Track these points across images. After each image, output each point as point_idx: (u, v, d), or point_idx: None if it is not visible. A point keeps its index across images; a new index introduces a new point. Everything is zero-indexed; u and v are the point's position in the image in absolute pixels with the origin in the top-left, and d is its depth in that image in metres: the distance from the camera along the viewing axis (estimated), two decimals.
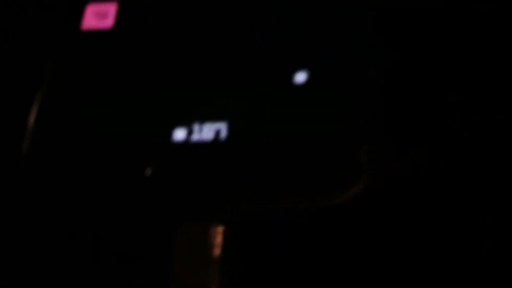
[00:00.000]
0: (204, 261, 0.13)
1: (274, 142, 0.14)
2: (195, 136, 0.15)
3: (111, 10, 0.17)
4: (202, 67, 0.15)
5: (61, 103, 0.15)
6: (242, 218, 0.14)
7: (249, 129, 0.14)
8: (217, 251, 0.13)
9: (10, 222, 0.15)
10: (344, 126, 0.14)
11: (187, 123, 0.15)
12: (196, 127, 0.15)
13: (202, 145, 0.14)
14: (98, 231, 0.15)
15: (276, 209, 0.14)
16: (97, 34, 0.17)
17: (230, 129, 0.14)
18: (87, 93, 0.16)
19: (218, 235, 0.14)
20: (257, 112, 0.15)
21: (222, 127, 0.15)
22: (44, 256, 0.15)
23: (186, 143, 0.14)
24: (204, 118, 0.15)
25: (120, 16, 0.17)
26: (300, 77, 0.15)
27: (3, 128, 0.16)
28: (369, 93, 0.15)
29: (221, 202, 0.14)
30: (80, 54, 0.16)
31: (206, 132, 0.15)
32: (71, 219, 0.15)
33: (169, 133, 0.15)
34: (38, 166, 0.14)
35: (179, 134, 0.15)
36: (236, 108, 0.15)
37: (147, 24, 0.17)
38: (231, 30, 0.16)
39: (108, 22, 0.17)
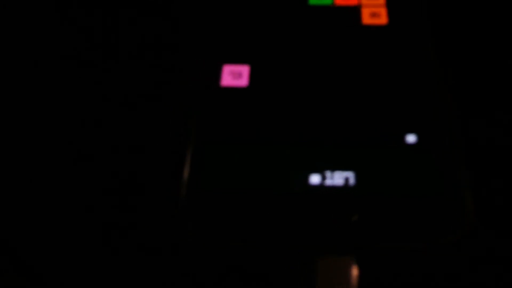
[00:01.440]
0: None
1: (384, 188, 0.17)
2: (328, 181, 0.18)
3: (245, 71, 0.20)
4: (331, 124, 0.19)
5: (206, 152, 0.18)
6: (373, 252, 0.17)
7: (370, 179, 0.18)
8: (355, 284, 0.16)
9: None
10: (446, 185, 0.17)
11: (320, 171, 0.18)
12: (328, 174, 0.18)
13: (334, 189, 0.17)
14: (244, 263, 0.18)
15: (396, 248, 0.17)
16: (234, 91, 0.20)
17: (357, 178, 0.18)
18: (230, 144, 0.19)
19: (354, 269, 0.16)
20: (375, 165, 0.18)
21: (350, 175, 0.18)
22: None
23: (321, 187, 0.18)
24: (335, 167, 0.18)
25: (253, 77, 0.20)
26: (411, 138, 0.18)
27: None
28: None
29: (355, 238, 0.17)
30: (220, 107, 0.19)
31: (337, 178, 0.18)
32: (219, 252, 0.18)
33: (306, 178, 0.18)
34: (195, 214, 0.17)
35: (315, 179, 0.18)
36: (360, 161, 0.18)
37: (278, 84, 0.20)
38: (354, 93, 0.19)
39: (243, 81, 0.20)
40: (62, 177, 0.19)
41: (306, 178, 0.18)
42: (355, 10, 0.22)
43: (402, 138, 0.18)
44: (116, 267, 0.18)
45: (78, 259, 0.18)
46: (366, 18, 0.22)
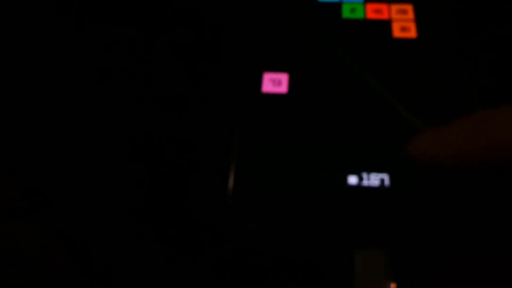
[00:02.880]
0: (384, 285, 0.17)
1: (418, 192, 0.19)
2: (365, 182, 0.19)
3: (284, 78, 0.22)
4: (364, 129, 0.20)
5: (250, 152, 0.20)
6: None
7: (403, 180, 0.19)
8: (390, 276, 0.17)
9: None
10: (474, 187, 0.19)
11: (358, 172, 0.19)
12: (365, 175, 0.19)
13: (371, 189, 0.19)
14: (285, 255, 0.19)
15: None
16: (275, 97, 0.21)
17: (392, 179, 0.19)
18: (271, 144, 0.20)
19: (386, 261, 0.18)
20: (407, 167, 0.19)
21: (385, 177, 0.19)
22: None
23: (359, 187, 0.19)
24: (371, 169, 0.19)
25: (292, 84, 0.22)
26: None
27: None
28: None
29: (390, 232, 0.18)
30: (262, 114, 0.21)
31: (373, 180, 0.19)
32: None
33: (345, 179, 0.19)
34: (243, 207, 0.19)
35: (352, 179, 0.19)
36: (394, 163, 0.19)
37: (315, 91, 0.21)
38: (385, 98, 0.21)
39: (283, 88, 0.22)
40: (118, 175, 0.21)
41: (344, 178, 0.19)
42: (386, 24, 0.23)
43: None
44: (167, 257, 0.19)
45: (132, 250, 0.19)
46: (397, 32, 0.23)
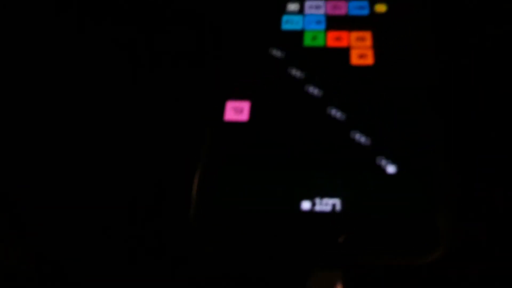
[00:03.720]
0: None
1: (367, 213, 0.20)
2: (317, 207, 0.20)
3: (246, 106, 0.23)
4: (321, 154, 0.21)
5: (214, 175, 0.21)
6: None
7: (355, 204, 0.20)
8: None
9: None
10: (425, 206, 0.20)
11: (312, 197, 0.20)
12: (317, 200, 0.20)
13: (323, 214, 0.20)
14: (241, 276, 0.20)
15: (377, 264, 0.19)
16: (236, 125, 0.22)
17: (343, 204, 0.20)
18: (233, 168, 0.21)
19: (340, 283, 0.19)
20: (359, 192, 0.20)
21: (337, 202, 0.20)
22: None
23: (311, 212, 0.20)
24: (324, 193, 0.20)
25: (253, 112, 0.23)
26: (391, 168, 0.21)
27: None
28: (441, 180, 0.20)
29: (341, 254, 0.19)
30: (224, 141, 0.22)
31: (325, 205, 0.20)
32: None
33: (299, 204, 0.20)
34: (203, 227, 0.20)
35: (306, 205, 0.20)
36: (345, 187, 0.20)
37: (277, 118, 0.22)
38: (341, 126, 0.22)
39: (244, 116, 0.23)
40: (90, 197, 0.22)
41: (298, 203, 0.20)
42: (345, 52, 0.24)
43: (385, 167, 0.21)
44: (129, 275, 0.20)
45: (94, 267, 0.20)
46: (354, 59, 0.24)
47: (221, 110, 0.23)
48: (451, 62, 0.25)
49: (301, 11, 0.26)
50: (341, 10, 0.26)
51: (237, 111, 0.23)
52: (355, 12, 0.26)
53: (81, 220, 0.22)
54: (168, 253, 0.21)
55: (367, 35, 0.25)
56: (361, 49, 0.24)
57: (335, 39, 0.25)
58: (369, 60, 0.24)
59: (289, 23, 0.26)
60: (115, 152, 0.23)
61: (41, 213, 0.22)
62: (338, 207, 0.20)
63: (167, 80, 0.25)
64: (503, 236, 0.20)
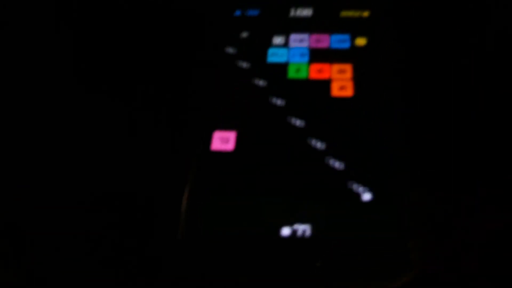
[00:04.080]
0: None
1: (343, 238, 0.21)
2: (297, 233, 0.21)
3: (232, 136, 0.25)
4: (301, 181, 0.23)
5: (201, 201, 0.22)
6: None
7: (332, 230, 0.21)
8: None
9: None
10: (397, 232, 0.21)
11: (291, 223, 0.22)
12: (297, 226, 0.22)
13: (302, 240, 0.21)
14: None
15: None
16: (222, 154, 0.24)
17: (321, 230, 0.21)
18: (219, 195, 0.23)
19: None
20: (336, 218, 0.22)
21: (315, 228, 0.22)
22: None
23: (291, 238, 0.21)
24: (303, 220, 0.22)
25: (239, 142, 0.24)
26: (366, 196, 0.22)
27: None
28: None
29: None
30: (211, 169, 0.23)
31: (303, 231, 0.21)
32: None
33: (277, 229, 0.22)
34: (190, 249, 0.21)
35: (285, 231, 0.22)
36: (323, 214, 0.22)
37: (261, 147, 0.24)
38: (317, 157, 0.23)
39: (230, 146, 0.24)
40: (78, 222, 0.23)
41: (278, 229, 0.21)
42: (326, 84, 0.26)
43: (361, 195, 0.22)
44: None
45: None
46: (335, 91, 0.26)
47: (209, 140, 0.24)
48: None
49: (286, 44, 0.28)
50: (324, 43, 0.28)
51: (223, 141, 0.24)
52: (337, 45, 0.27)
53: (69, 240, 0.23)
54: (158, 273, 0.22)
55: (348, 68, 0.26)
56: (341, 81, 0.26)
57: (317, 71, 0.27)
58: (348, 91, 0.25)
59: (274, 55, 0.27)
60: (106, 177, 0.25)
61: (29, 229, 0.24)
62: (317, 233, 0.21)
63: (159, 110, 0.27)
64: (472, 262, 0.22)
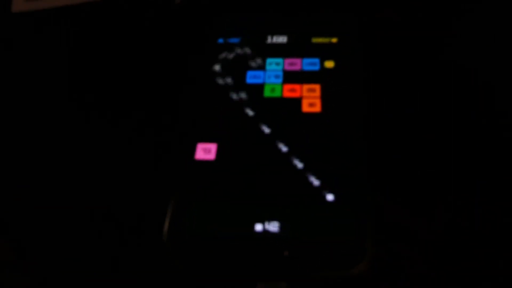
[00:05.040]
0: None
1: (308, 233, 0.24)
2: (268, 229, 0.25)
3: (213, 147, 0.28)
4: (275, 186, 0.26)
5: (186, 205, 0.26)
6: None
7: (299, 226, 0.25)
8: None
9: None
10: (354, 229, 0.24)
11: (263, 221, 0.25)
12: (268, 223, 0.25)
13: (272, 235, 0.24)
14: None
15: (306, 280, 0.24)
16: (204, 163, 0.27)
17: (289, 226, 0.25)
18: (202, 200, 0.26)
19: None
20: (303, 216, 0.25)
21: (284, 225, 0.25)
22: None
23: (263, 232, 0.24)
24: (274, 218, 0.25)
25: (219, 152, 0.28)
26: (330, 197, 0.25)
27: None
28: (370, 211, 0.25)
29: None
30: (194, 177, 0.27)
31: (274, 227, 0.25)
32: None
33: (252, 227, 0.25)
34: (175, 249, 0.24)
35: (258, 227, 0.25)
36: (292, 213, 0.25)
37: (240, 157, 0.27)
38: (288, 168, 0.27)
39: (211, 155, 0.28)
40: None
41: (251, 226, 0.25)
42: (298, 101, 0.29)
43: (325, 196, 0.25)
44: None
45: None
46: (305, 107, 0.29)
47: (193, 150, 0.28)
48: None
49: (263, 67, 0.31)
50: (296, 66, 0.31)
51: (206, 151, 0.28)
52: (308, 68, 0.31)
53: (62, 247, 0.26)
54: (145, 274, 0.25)
55: (317, 87, 0.30)
56: (311, 99, 0.29)
57: (290, 90, 0.30)
58: (317, 108, 0.29)
59: (252, 77, 0.31)
60: (98, 184, 0.28)
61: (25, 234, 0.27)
62: (285, 229, 0.24)
63: (150, 123, 0.30)
64: (422, 256, 0.25)
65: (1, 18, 0.37)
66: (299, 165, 0.26)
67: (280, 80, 0.31)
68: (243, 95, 0.30)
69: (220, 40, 0.33)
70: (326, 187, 0.26)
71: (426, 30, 0.33)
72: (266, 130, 0.28)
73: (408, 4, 0.34)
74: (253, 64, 0.32)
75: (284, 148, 0.27)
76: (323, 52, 0.32)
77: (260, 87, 0.30)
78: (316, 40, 0.32)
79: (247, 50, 0.32)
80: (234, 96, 0.30)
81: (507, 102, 0.29)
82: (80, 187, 0.28)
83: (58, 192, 0.28)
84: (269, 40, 0.33)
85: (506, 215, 0.25)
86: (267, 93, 0.30)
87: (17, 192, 0.29)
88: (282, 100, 0.30)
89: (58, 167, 0.29)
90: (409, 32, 0.33)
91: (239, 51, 0.33)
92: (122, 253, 0.26)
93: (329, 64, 0.31)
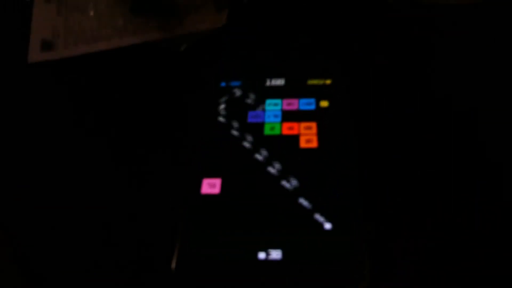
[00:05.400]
0: None
1: (308, 260, 0.26)
2: (270, 256, 0.26)
3: (218, 182, 0.30)
4: (275, 216, 0.28)
5: (193, 234, 0.27)
6: None
7: (300, 253, 0.26)
8: None
9: None
10: (351, 254, 0.26)
11: (266, 249, 0.27)
12: (270, 251, 0.27)
13: (274, 261, 0.26)
14: None
15: None
16: (210, 197, 0.29)
17: (283, 254, 0.26)
18: (208, 230, 0.28)
19: None
20: (303, 244, 0.27)
21: (286, 252, 0.26)
22: None
23: (264, 261, 0.26)
24: (276, 246, 0.27)
25: (224, 187, 0.30)
26: (327, 226, 0.27)
27: None
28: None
29: None
30: (201, 209, 0.29)
31: (276, 254, 0.26)
32: None
33: (255, 255, 0.26)
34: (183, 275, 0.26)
35: (261, 255, 0.26)
36: (293, 241, 0.27)
37: (242, 190, 0.29)
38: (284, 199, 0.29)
39: (216, 190, 0.30)
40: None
41: (255, 254, 0.26)
42: (296, 138, 0.32)
43: (323, 225, 0.27)
44: None
45: None
46: (303, 143, 0.31)
47: (199, 185, 0.30)
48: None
49: (263, 108, 0.34)
50: (294, 106, 0.34)
51: (211, 186, 0.30)
52: (304, 107, 0.34)
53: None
54: None
55: (313, 125, 0.32)
56: (308, 136, 0.32)
57: (288, 128, 0.32)
58: (314, 144, 0.31)
59: (253, 117, 0.33)
60: (113, 214, 0.30)
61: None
62: (287, 256, 0.26)
63: (161, 160, 0.33)
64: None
65: (18, 68, 0.40)
66: (298, 197, 0.28)
67: (279, 119, 0.33)
68: (245, 133, 0.32)
69: (223, 84, 0.36)
70: (323, 216, 0.27)
71: (412, 69, 0.36)
72: (267, 165, 0.30)
73: (394, 50, 0.38)
74: (253, 105, 0.34)
75: (283, 182, 0.29)
76: (318, 93, 0.34)
77: (260, 126, 0.33)
78: (311, 82, 0.35)
79: (248, 92, 0.35)
80: (237, 134, 0.32)
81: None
82: (88, 220, 0.30)
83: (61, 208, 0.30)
84: (268, 83, 0.36)
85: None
86: (267, 131, 0.32)
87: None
88: (281, 138, 0.32)
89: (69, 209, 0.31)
90: (397, 75, 0.36)
91: (240, 93, 0.35)
92: (133, 281, 0.27)
93: (324, 103, 0.34)
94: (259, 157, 0.31)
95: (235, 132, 0.32)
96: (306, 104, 0.34)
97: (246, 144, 0.32)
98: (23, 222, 0.30)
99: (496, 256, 0.26)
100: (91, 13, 0.41)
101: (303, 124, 0.32)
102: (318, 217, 0.27)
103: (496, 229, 0.27)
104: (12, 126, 0.36)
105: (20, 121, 0.36)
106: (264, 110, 0.34)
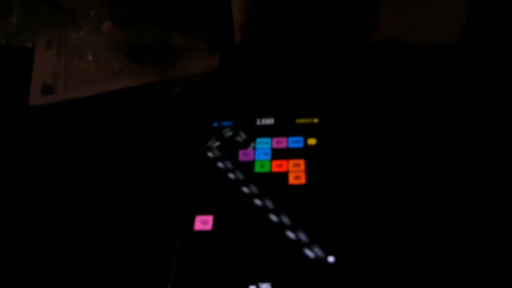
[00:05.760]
0: None
1: None
2: None
3: (210, 219, 0.31)
4: (266, 251, 0.29)
5: (186, 269, 0.28)
6: None
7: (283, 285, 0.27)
8: None
9: None
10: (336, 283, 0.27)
11: (257, 284, 0.28)
12: (261, 285, 0.28)
13: None
14: None
15: None
16: (202, 233, 0.30)
17: (273, 286, 0.27)
18: (200, 265, 0.29)
19: None
20: (287, 277, 0.28)
21: (268, 286, 0.27)
22: None
23: None
24: (266, 280, 0.28)
25: (216, 223, 0.31)
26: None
27: None
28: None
29: None
30: (194, 245, 0.30)
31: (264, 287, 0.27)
32: None
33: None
34: None
35: None
36: (281, 275, 0.28)
37: (234, 227, 0.30)
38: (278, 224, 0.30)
39: (209, 226, 0.31)
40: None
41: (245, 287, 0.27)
42: (285, 175, 0.33)
43: (309, 257, 0.28)
44: None
45: None
46: (292, 180, 0.33)
47: (192, 222, 0.31)
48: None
49: (253, 146, 0.35)
50: (283, 144, 0.35)
51: (203, 222, 0.31)
52: (293, 145, 0.35)
53: None
54: None
55: (301, 162, 0.34)
56: (296, 173, 0.33)
57: (277, 166, 0.34)
58: (302, 180, 0.33)
59: (244, 155, 0.35)
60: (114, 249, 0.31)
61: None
62: None
63: (155, 199, 0.34)
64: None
65: (18, 112, 0.41)
66: (287, 231, 0.30)
67: (268, 157, 0.35)
68: (236, 171, 0.34)
69: (215, 124, 0.37)
70: (312, 250, 0.29)
71: (394, 107, 0.38)
72: (257, 202, 0.32)
73: (378, 88, 0.40)
74: (244, 143, 0.36)
75: (273, 217, 0.31)
76: (306, 131, 0.36)
77: (251, 164, 0.34)
78: (299, 121, 0.37)
79: (239, 132, 0.37)
80: (228, 173, 0.34)
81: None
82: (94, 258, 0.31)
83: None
84: (258, 122, 0.37)
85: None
86: (257, 169, 0.34)
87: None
88: (271, 175, 0.33)
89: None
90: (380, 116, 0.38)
91: (231, 133, 0.37)
92: None
93: (312, 141, 0.35)
94: (249, 194, 0.32)
95: (226, 170, 0.34)
96: (294, 142, 0.35)
97: (237, 182, 0.33)
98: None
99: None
100: (90, 58, 0.43)
101: (292, 162, 0.34)
102: (307, 250, 0.29)
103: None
104: (13, 170, 0.37)
105: (21, 163, 0.38)
106: (254, 148, 0.35)
